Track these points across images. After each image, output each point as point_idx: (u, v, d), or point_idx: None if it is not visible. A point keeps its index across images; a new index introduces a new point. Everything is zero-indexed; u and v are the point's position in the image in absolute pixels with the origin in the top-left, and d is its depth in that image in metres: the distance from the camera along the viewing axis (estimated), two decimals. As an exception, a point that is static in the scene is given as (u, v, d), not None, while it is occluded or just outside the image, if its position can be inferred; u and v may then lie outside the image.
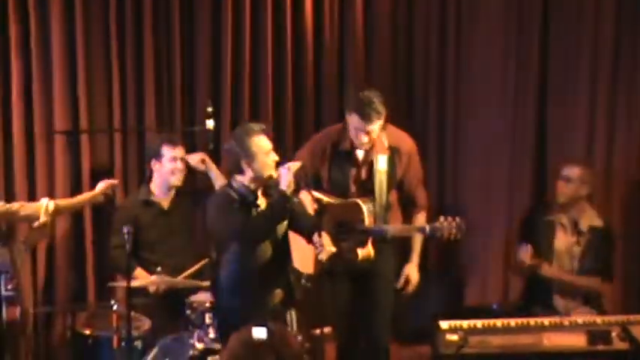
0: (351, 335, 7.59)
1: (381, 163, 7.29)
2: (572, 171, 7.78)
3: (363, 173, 7.35)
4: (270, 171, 6.73)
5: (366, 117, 7.13)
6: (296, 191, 6.86)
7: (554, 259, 7.76)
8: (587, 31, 8.46)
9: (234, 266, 6.94)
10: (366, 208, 7.16)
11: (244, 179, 6.78)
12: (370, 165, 7.32)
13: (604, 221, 7.86)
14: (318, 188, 7.27)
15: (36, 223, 6.62)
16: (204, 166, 7.90)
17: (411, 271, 7.44)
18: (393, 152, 7.35)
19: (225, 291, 6.99)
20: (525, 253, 7.68)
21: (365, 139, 7.19)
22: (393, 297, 7.51)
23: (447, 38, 9.11)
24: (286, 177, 6.67)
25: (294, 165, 6.79)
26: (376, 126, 7.15)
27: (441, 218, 7.11)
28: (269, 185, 6.79)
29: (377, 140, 7.29)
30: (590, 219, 7.78)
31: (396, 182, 7.39)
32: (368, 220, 7.16)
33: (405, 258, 7.52)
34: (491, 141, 9.01)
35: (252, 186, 6.79)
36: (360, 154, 7.33)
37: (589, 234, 7.73)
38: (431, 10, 9.07)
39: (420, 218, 7.48)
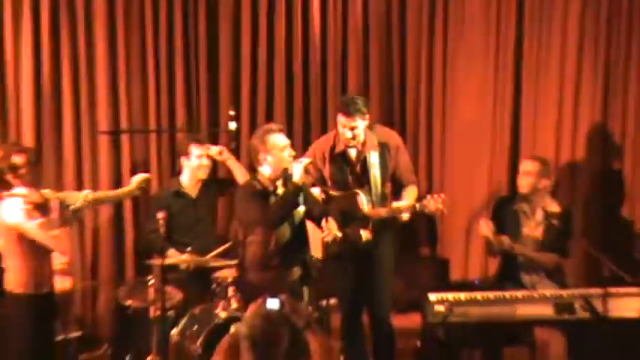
0: (354, 310, 7.58)
1: (373, 158, 7.30)
2: (530, 166, 7.69)
3: (358, 169, 7.34)
4: (285, 164, 6.91)
5: (347, 113, 7.18)
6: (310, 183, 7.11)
7: (521, 244, 7.65)
8: (555, 35, 8.39)
9: (257, 246, 7.11)
10: (363, 196, 7.23)
11: (265, 171, 6.98)
12: (364, 161, 7.32)
13: (562, 207, 7.68)
14: (323, 185, 7.39)
15: (71, 207, 6.81)
16: (223, 157, 8.01)
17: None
18: (383, 148, 7.34)
19: (250, 268, 7.15)
20: (485, 228, 7.65)
21: (349, 134, 7.22)
22: (393, 278, 7.55)
23: (434, 39, 9.21)
24: (298, 170, 6.85)
25: (306, 160, 6.96)
26: (358, 122, 7.19)
27: (428, 196, 7.15)
28: (286, 177, 6.94)
29: (367, 139, 7.28)
30: (549, 206, 7.66)
31: (389, 174, 7.39)
32: (367, 207, 7.23)
33: (402, 245, 7.66)
34: (473, 131, 9.06)
35: (272, 177, 6.97)
36: (353, 152, 7.34)
37: (548, 219, 7.61)
38: (421, 14, 9.18)
39: (410, 192, 7.41)
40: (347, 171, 7.39)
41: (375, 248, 7.33)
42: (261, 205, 6.93)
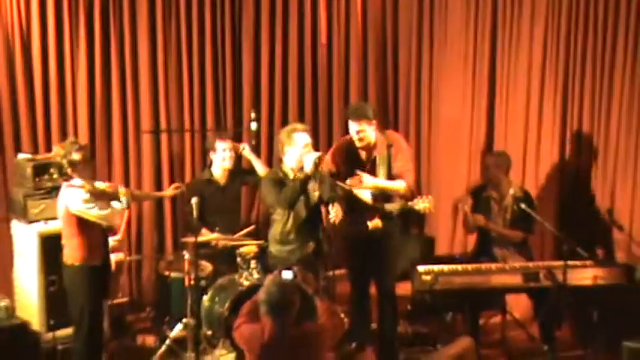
0: (363, 283, 7.55)
1: (380, 159, 7.18)
2: (489, 160, 7.74)
3: (368, 168, 7.18)
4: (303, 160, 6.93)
5: (354, 119, 7.10)
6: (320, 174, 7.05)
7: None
8: (523, 44, 8.37)
9: (277, 224, 7.16)
10: (364, 191, 7.16)
11: (288, 162, 7.03)
12: (373, 162, 7.20)
13: (523, 191, 7.69)
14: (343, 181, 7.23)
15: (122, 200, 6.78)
16: (245, 153, 8.04)
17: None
18: (390, 150, 7.18)
19: (272, 242, 7.20)
20: (465, 206, 7.69)
21: (357, 137, 7.11)
22: (398, 260, 7.41)
23: (422, 51, 9.23)
24: (310, 161, 6.86)
25: (317, 154, 6.93)
26: (364, 126, 7.08)
27: (417, 197, 7.15)
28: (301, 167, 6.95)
29: (378, 142, 7.15)
30: (513, 191, 7.65)
31: (392, 173, 7.19)
32: (371, 200, 7.17)
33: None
34: (455, 128, 9.03)
35: (293, 167, 7.01)
36: (363, 154, 7.21)
37: (514, 202, 7.59)
38: (411, 22, 9.21)
39: (397, 181, 7.15)
40: (360, 168, 7.21)
41: (384, 234, 7.24)
42: (279, 189, 6.98)
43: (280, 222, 7.14)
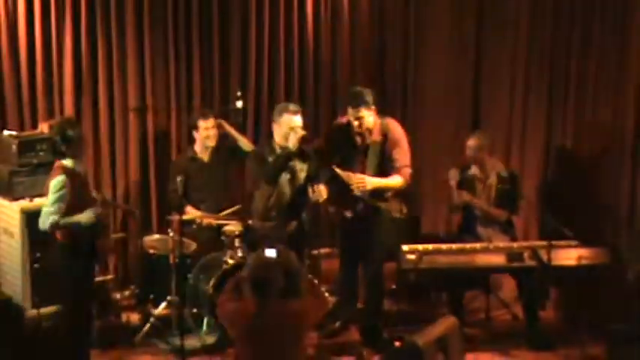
0: (351, 264, 7.57)
1: (374, 147, 7.17)
2: (470, 141, 7.67)
3: (362, 155, 7.20)
4: (291, 139, 6.98)
5: (353, 105, 7.11)
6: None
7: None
8: (508, 34, 8.44)
9: (260, 200, 7.20)
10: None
11: (277, 139, 7.09)
12: (366, 148, 7.20)
13: (510, 172, 7.73)
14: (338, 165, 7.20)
15: None
16: (226, 129, 8.02)
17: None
18: (384, 139, 7.18)
19: (254, 217, 7.24)
20: (453, 177, 7.64)
21: (356, 123, 7.12)
22: (386, 244, 7.37)
23: (409, 39, 9.16)
24: (293, 139, 6.95)
25: (300, 132, 6.98)
26: (363, 113, 7.08)
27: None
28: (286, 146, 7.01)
29: (374, 129, 7.16)
30: (497, 170, 7.66)
31: (385, 161, 7.21)
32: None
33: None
34: (440, 111, 9.06)
35: (281, 144, 7.06)
36: (358, 139, 7.21)
37: (498, 181, 7.61)
38: (396, 17, 9.12)
39: (390, 180, 7.18)
40: (354, 156, 7.26)
41: (375, 215, 7.26)
42: (262, 165, 7.06)
43: (263, 197, 7.17)
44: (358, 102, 7.13)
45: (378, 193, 7.22)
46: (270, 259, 5.53)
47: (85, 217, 6.49)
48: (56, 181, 6.41)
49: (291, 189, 7.16)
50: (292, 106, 7.20)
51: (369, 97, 7.17)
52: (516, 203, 7.66)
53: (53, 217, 6.38)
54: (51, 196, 6.42)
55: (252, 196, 7.45)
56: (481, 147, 7.67)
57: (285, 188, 7.14)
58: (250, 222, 7.35)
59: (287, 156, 6.98)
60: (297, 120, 7.05)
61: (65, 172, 6.44)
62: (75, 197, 6.45)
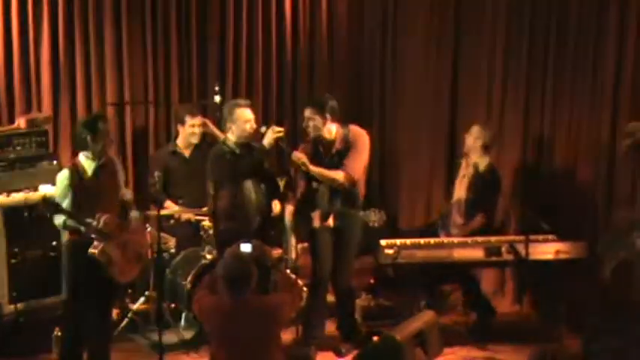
0: (323, 273, 7.18)
1: (337, 153, 6.99)
2: (472, 129, 7.62)
3: (327, 161, 6.99)
4: (245, 135, 6.94)
5: (306, 105, 7.09)
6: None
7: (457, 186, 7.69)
8: (485, 30, 8.39)
9: (227, 199, 7.07)
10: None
11: (231, 137, 7.01)
12: (331, 157, 7.00)
13: (491, 165, 7.60)
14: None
15: None
16: (207, 128, 7.94)
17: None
18: (347, 145, 6.98)
19: (220, 218, 7.12)
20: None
21: (305, 123, 7.04)
22: (355, 250, 7.23)
23: (386, 38, 9.11)
24: (269, 136, 6.87)
25: (277, 128, 6.93)
26: (312, 115, 6.95)
27: (372, 209, 6.98)
28: (250, 143, 6.98)
29: (337, 136, 7.00)
30: (478, 165, 7.57)
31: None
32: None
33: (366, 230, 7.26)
34: (418, 105, 8.94)
35: (237, 142, 6.99)
36: (321, 149, 7.06)
37: (475, 174, 7.57)
38: (375, 18, 9.11)
39: (338, 172, 6.95)
40: (320, 162, 7.04)
41: (343, 225, 7.08)
42: (224, 165, 6.97)
43: (227, 198, 7.06)
44: (310, 104, 7.07)
45: (349, 201, 7.07)
46: (245, 254, 5.51)
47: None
48: (60, 174, 6.39)
49: (254, 189, 7.10)
50: (242, 101, 7.19)
51: (326, 104, 6.99)
52: (491, 203, 7.63)
53: (61, 218, 6.31)
54: (56, 189, 6.42)
55: (215, 198, 7.20)
56: (476, 138, 7.60)
57: (249, 188, 7.07)
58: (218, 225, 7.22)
59: (260, 154, 6.95)
60: (250, 114, 7.01)
61: (71, 167, 6.39)
62: (81, 194, 6.34)
